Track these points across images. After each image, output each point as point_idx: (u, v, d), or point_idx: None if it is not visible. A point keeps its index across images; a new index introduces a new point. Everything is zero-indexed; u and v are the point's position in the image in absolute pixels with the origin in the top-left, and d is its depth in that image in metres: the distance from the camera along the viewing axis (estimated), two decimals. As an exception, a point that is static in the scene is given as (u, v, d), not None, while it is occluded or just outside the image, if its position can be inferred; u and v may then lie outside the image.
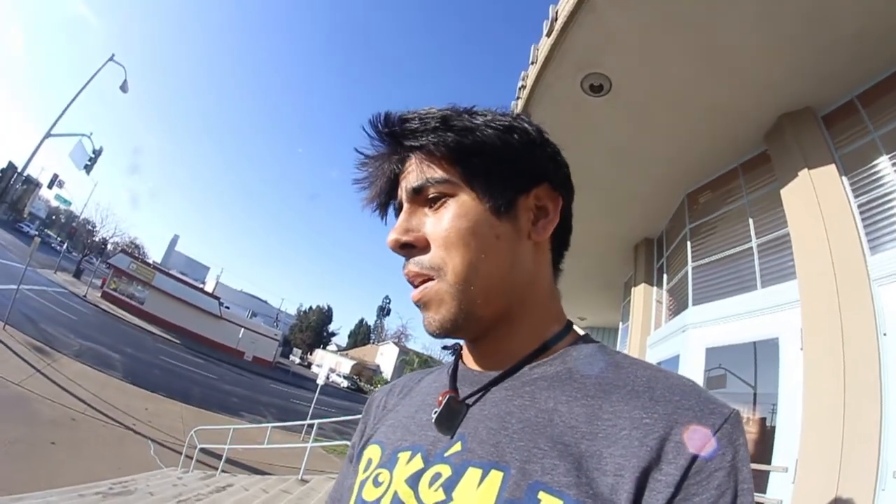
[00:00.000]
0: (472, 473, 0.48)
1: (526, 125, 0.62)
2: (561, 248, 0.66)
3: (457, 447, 0.52)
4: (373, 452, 0.61)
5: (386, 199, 0.65)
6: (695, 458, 0.42)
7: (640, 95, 3.31)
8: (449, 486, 0.48)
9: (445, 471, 0.50)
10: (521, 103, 3.79)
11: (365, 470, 0.59)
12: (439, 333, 0.56)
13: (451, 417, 0.55)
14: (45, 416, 8.74)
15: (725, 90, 3.09)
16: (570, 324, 0.63)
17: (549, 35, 3.16)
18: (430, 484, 0.50)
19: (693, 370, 3.68)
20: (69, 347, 15.28)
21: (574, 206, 0.68)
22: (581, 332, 0.63)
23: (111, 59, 14.36)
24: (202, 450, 9.03)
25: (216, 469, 8.64)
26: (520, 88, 3.86)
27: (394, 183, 0.63)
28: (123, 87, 14.87)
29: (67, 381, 11.25)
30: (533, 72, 3.48)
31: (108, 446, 8.65)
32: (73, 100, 13.63)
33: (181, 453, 9.25)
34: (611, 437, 0.45)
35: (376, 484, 0.55)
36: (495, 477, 0.46)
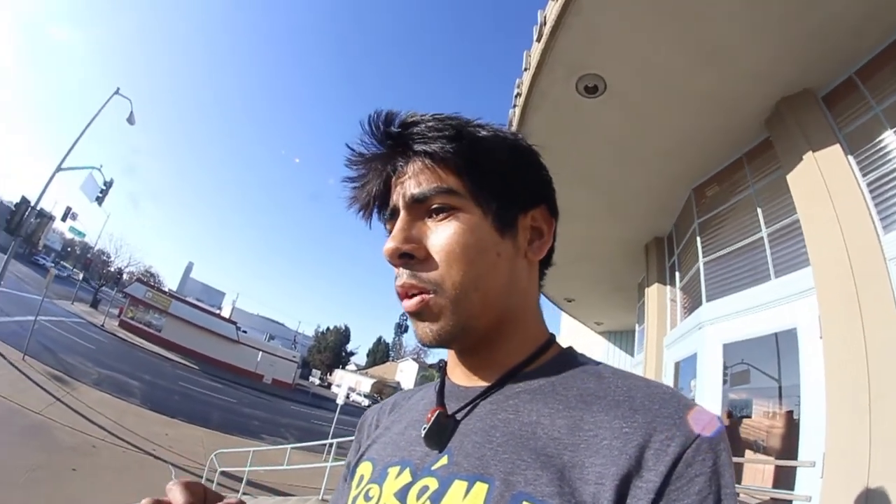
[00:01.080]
0: (458, 486, 0.48)
1: (527, 144, 0.62)
2: (545, 267, 0.67)
3: (443, 461, 0.53)
4: (365, 469, 0.61)
5: (376, 202, 0.63)
6: (675, 464, 0.42)
7: (636, 93, 3.30)
8: (436, 499, 0.49)
9: (432, 484, 0.51)
10: (518, 111, 3.80)
11: (357, 486, 0.60)
12: (433, 344, 0.56)
13: (439, 433, 0.55)
14: (65, 443, 8.79)
15: (720, 79, 3.07)
16: (553, 337, 0.63)
17: (539, 40, 3.17)
18: (418, 497, 0.50)
19: (711, 367, 3.61)
20: (88, 376, 15.38)
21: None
22: (564, 346, 0.63)
23: (116, 92, 14.66)
24: (223, 473, 9.03)
25: (237, 492, 8.61)
26: (516, 96, 3.87)
27: (387, 186, 0.61)
28: (130, 120, 15.17)
29: (87, 409, 11.31)
30: (527, 78, 3.49)
31: (129, 472, 8.66)
32: (81, 135, 13.86)
33: (202, 477, 9.22)
34: (592, 446, 0.45)
35: (367, 499, 0.56)
36: (480, 489, 0.47)
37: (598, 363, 0.58)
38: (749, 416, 3.37)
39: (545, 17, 3.07)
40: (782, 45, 2.76)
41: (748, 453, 3.20)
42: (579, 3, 2.73)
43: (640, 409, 0.46)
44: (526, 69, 3.54)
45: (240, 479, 8.84)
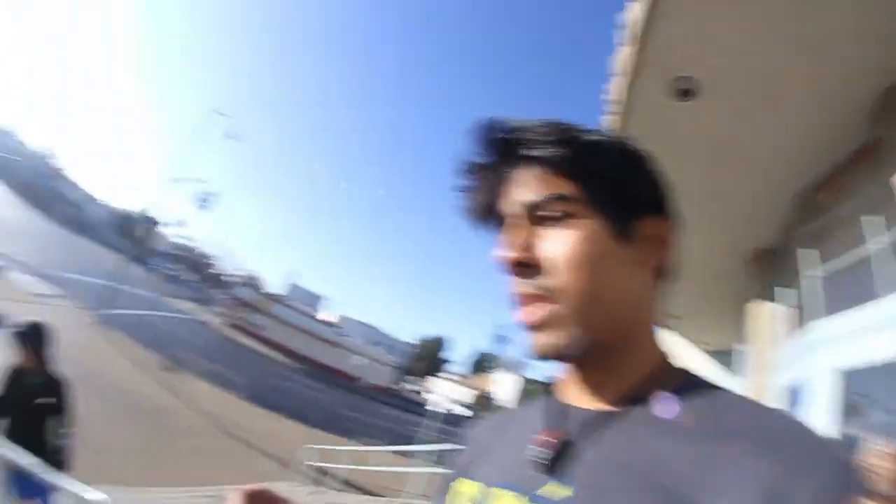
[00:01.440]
0: None
1: (638, 148, 0.60)
2: (665, 279, 0.62)
3: (560, 490, 0.49)
4: (466, 487, 0.59)
5: (487, 210, 0.62)
6: None
7: (732, 93, 3.15)
8: None
9: None
10: (612, 117, 3.73)
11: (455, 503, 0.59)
12: (549, 356, 0.54)
13: (554, 459, 0.52)
14: (169, 425, 9.74)
15: (822, 73, 2.85)
16: (672, 359, 0.59)
17: (628, 45, 3.12)
18: None
19: (821, 395, 3.27)
20: (194, 367, 16.86)
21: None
22: (685, 369, 0.58)
23: (217, 112, 16.21)
24: (314, 468, 9.45)
25: (327, 487, 8.97)
26: (607, 102, 3.81)
27: (497, 194, 0.60)
28: (235, 136, 16.69)
29: (191, 397, 12.44)
30: (618, 84, 3.44)
31: (224, 457, 9.36)
32: (190, 149, 15.48)
33: (294, 469, 9.75)
34: (719, 487, 0.41)
35: None
36: None
37: (721, 388, 0.53)
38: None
39: (633, 20, 3.01)
40: (888, 34, 2.50)
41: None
42: (666, 5, 2.64)
43: (773, 447, 0.42)
44: (615, 75, 3.48)
45: (330, 476, 9.17)
